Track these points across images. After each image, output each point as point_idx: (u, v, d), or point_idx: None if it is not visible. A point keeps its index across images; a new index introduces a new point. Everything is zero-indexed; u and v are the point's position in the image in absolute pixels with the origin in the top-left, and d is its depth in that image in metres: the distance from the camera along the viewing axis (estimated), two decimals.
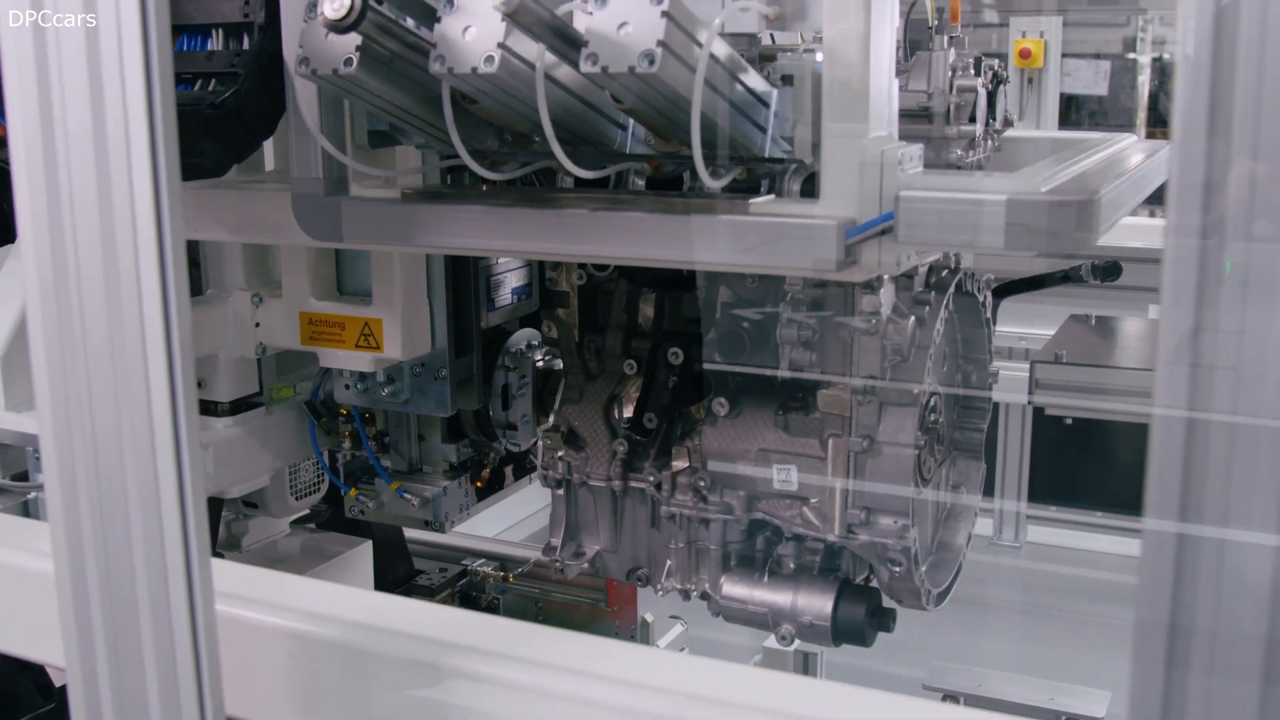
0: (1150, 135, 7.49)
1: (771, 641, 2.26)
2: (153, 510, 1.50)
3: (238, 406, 2.61)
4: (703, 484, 2.21)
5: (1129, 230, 2.34)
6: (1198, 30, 1.02)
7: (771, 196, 1.76)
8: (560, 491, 2.40)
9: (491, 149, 1.89)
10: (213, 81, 1.90)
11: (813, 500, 2.13)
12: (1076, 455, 5.49)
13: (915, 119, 2.11)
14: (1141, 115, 7.67)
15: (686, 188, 1.93)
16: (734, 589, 2.23)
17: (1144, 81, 7.60)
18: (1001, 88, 2.28)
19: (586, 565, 2.40)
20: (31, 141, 1.47)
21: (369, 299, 2.37)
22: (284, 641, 1.86)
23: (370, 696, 1.79)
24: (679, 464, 2.25)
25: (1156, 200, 1.90)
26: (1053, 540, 5.37)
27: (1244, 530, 1.08)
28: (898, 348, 2.02)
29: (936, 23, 2.16)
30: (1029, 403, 4.50)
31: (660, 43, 1.49)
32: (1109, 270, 2.47)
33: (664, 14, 1.49)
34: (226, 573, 2.01)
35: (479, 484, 2.74)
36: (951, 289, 2.12)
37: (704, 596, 2.29)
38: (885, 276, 1.97)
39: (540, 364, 2.66)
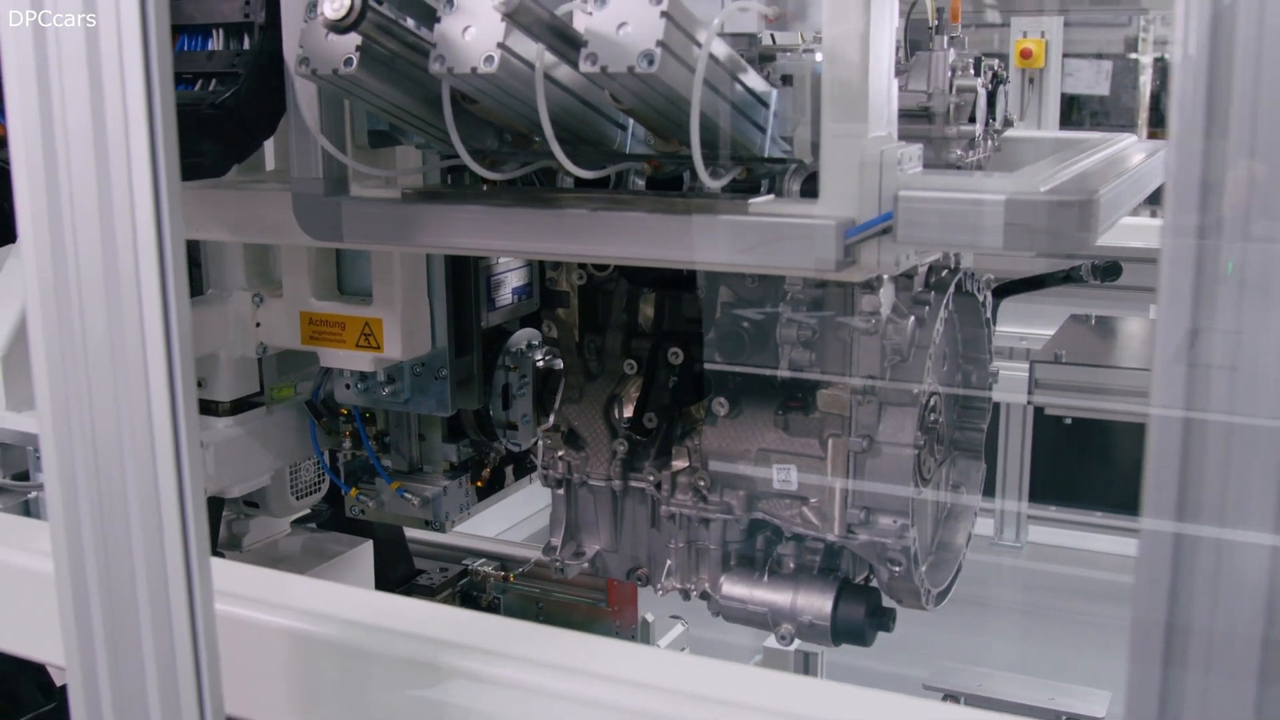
0: (1152, 135, 7.49)
1: (772, 641, 2.26)
2: (152, 510, 1.50)
3: (238, 406, 2.61)
4: (703, 484, 2.21)
5: (1129, 230, 2.34)
6: (1196, 30, 1.02)
7: (771, 196, 1.76)
8: (560, 491, 2.40)
9: (491, 149, 1.89)
10: (213, 81, 1.90)
11: (812, 500, 2.13)
12: (1077, 455, 5.48)
13: (915, 119, 2.11)
14: (1143, 115, 7.66)
15: (686, 188, 1.93)
16: (734, 589, 2.23)
17: (1146, 81, 7.59)
18: (1001, 88, 2.28)
19: (586, 565, 2.41)
20: (31, 141, 1.47)
21: (369, 299, 2.37)
22: (284, 641, 1.86)
23: (370, 696, 1.80)
24: (679, 464, 2.25)
25: (1156, 200, 1.90)
26: (1054, 540, 5.37)
27: (1240, 530, 1.08)
28: (897, 348, 2.02)
29: (936, 23, 2.16)
30: (1028, 403, 4.50)
31: (659, 43, 1.49)
32: (1109, 270, 2.47)
33: (663, 14, 1.49)
34: (226, 572, 2.01)
35: (479, 484, 2.74)
36: (951, 289, 2.12)
37: (704, 596, 2.29)
38: (885, 276, 1.98)
39: (540, 364, 2.66)
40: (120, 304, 1.46)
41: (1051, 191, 1.56)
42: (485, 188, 2.00)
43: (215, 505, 2.77)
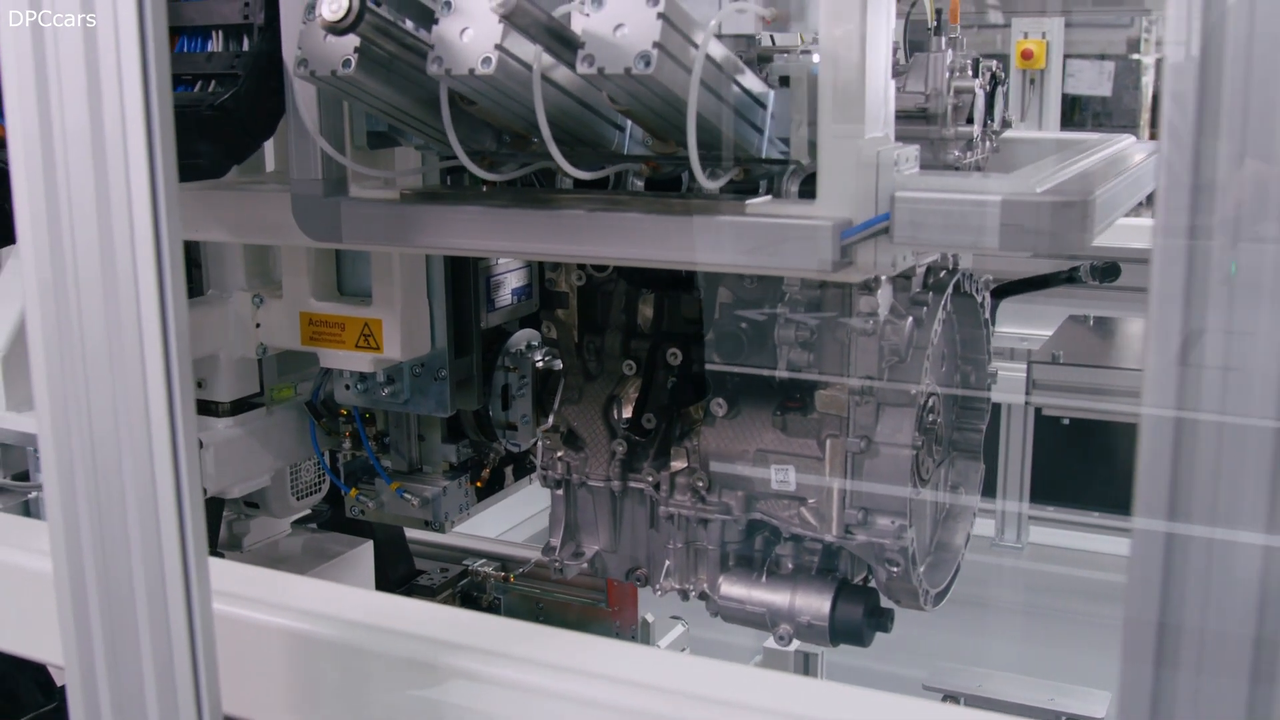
0: (1154, 136, 7.47)
1: (771, 642, 2.26)
2: (150, 509, 1.51)
3: (238, 407, 2.61)
4: (701, 484, 2.22)
5: (1128, 231, 2.34)
6: (1187, 31, 1.03)
7: (769, 197, 1.77)
8: (559, 492, 2.40)
9: (490, 150, 1.89)
10: (212, 83, 1.90)
11: (811, 500, 2.13)
12: (1078, 456, 5.48)
13: (913, 120, 2.11)
14: (1145, 116, 7.65)
15: (685, 188, 1.93)
16: (732, 589, 2.24)
17: (1148, 82, 7.58)
18: (999, 89, 2.28)
19: (585, 565, 2.41)
20: (30, 142, 1.47)
21: (369, 299, 2.38)
22: (282, 640, 1.86)
23: (368, 696, 1.80)
24: (678, 464, 2.26)
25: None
26: (1054, 541, 5.36)
27: (1232, 530, 1.09)
28: (895, 348, 2.03)
29: (935, 24, 2.16)
30: (1026, 403, 4.50)
31: (656, 44, 1.50)
32: (1107, 271, 2.47)
33: (660, 16, 1.50)
34: (224, 572, 2.02)
35: (479, 484, 2.74)
36: (949, 290, 2.12)
37: (702, 596, 2.30)
38: (882, 277, 1.98)
39: (540, 364, 2.66)
40: (118, 304, 1.46)
41: (1048, 192, 1.57)
42: (484, 189, 2.00)
43: (216, 506, 2.78)
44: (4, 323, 2.67)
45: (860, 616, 2.17)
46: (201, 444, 2.50)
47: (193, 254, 2.56)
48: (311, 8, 1.66)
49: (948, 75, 2.13)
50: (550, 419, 2.47)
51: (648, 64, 1.50)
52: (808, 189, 1.73)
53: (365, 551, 3.05)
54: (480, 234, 1.84)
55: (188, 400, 1.48)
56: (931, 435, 2.17)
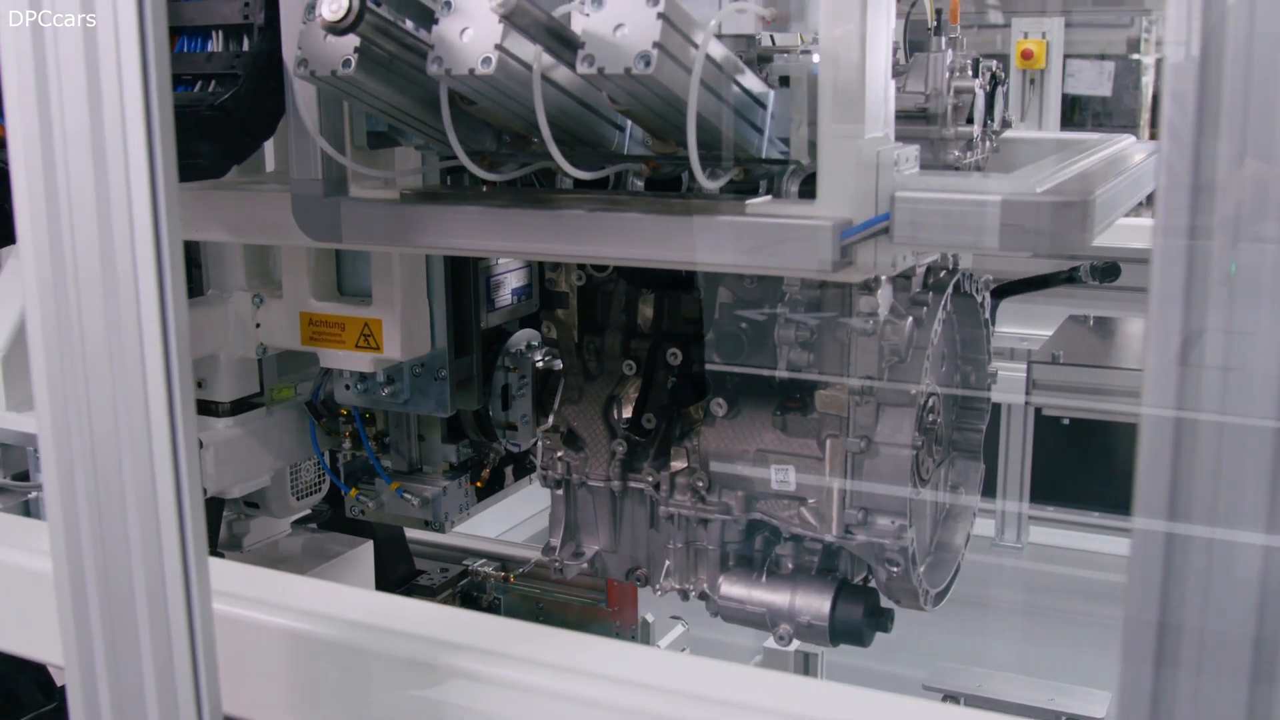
0: (1154, 136, 7.47)
1: (771, 641, 2.26)
2: (150, 509, 1.51)
3: (238, 407, 2.61)
4: (701, 484, 2.22)
5: (1128, 231, 2.34)
6: (1187, 31, 1.03)
7: (768, 197, 1.77)
8: (559, 491, 2.40)
9: (490, 150, 1.89)
10: (212, 83, 1.90)
11: (810, 500, 2.13)
12: (1078, 456, 5.48)
13: (913, 120, 2.11)
14: (1145, 116, 7.65)
15: (685, 188, 1.93)
16: (732, 589, 2.24)
17: (1148, 82, 7.58)
18: (999, 89, 2.28)
19: (585, 565, 2.41)
20: (30, 142, 1.47)
21: (369, 299, 2.38)
22: (282, 640, 1.86)
23: (368, 695, 1.80)
24: (677, 464, 2.26)
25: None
26: (1055, 541, 5.36)
27: (1232, 529, 1.09)
28: (895, 348, 2.03)
29: (935, 24, 2.16)
30: (1026, 403, 4.50)
31: (656, 44, 1.50)
32: (1108, 271, 2.47)
33: (660, 15, 1.50)
34: (224, 572, 2.02)
35: (479, 484, 2.74)
36: (949, 290, 2.12)
37: (702, 596, 2.30)
38: (882, 277, 1.98)
39: (540, 364, 2.66)
40: (118, 304, 1.46)
41: (1047, 192, 1.57)
42: (484, 189, 2.00)
43: (216, 506, 2.78)
44: (4, 323, 2.67)
45: (860, 616, 2.17)
46: (201, 444, 2.50)
47: (193, 254, 2.57)
48: (311, 8, 1.66)
49: (947, 75, 2.13)
50: (550, 419, 2.47)
51: (647, 64, 1.50)
52: (808, 189, 1.73)
53: (365, 551, 3.05)
54: (480, 234, 1.84)
55: (187, 400, 1.49)
56: (931, 435, 2.17)
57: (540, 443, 2.42)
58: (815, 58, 1.70)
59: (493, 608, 3.26)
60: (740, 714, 1.62)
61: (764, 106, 1.82)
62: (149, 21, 1.38)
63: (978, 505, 2.43)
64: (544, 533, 2.46)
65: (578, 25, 1.54)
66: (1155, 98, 7.66)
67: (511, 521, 4.80)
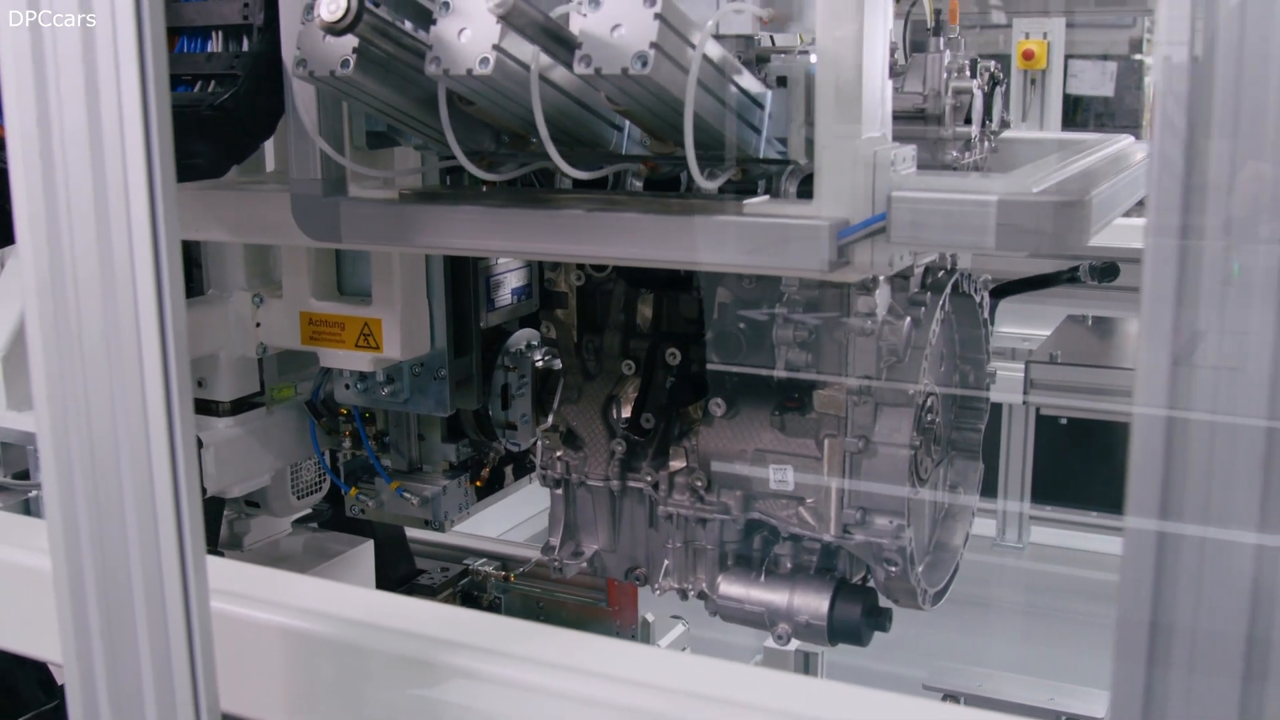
0: None
1: (771, 641, 2.26)
2: (148, 508, 1.51)
3: (239, 406, 2.62)
4: (700, 484, 2.22)
5: (1127, 231, 2.34)
6: (1178, 30, 1.03)
7: (766, 197, 1.77)
8: (559, 491, 2.41)
9: (489, 150, 1.90)
10: (212, 83, 1.90)
11: (809, 500, 2.13)
12: (1079, 456, 5.49)
13: (911, 121, 2.12)
14: (1147, 116, 7.64)
15: (684, 189, 1.94)
16: (731, 588, 2.24)
17: (1150, 83, 7.57)
18: (998, 89, 2.28)
19: (585, 565, 2.41)
20: (29, 142, 1.48)
21: (369, 299, 2.38)
22: (280, 638, 1.86)
23: (366, 694, 1.80)
24: (676, 464, 2.26)
25: None
26: (1056, 541, 5.37)
27: (1224, 528, 1.09)
28: (893, 348, 2.03)
29: (933, 25, 2.16)
30: (1024, 402, 4.51)
31: (653, 44, 1.50)
32: (1106, 271, 2.48)
33: (656, 16, 1.50)
34: (222, 570, 2.02)
35: (478, 483, 2.75)
36: (947, 290, 2.13)
37: (701, 596, 2.30)
38: (880, 277, 1.98)
39: (539, 364, 2.67)
40: (116, 303, 1.46)
41: (1044, 192, 1.57)
42: (483, 189, 2.00)
43: (216, 505, 2.78)
44: (4, 322, 2.67)
45: (858, 616, 2.17)
46: (202, 443, 2.51)
47: (193, 254, 2.57)
48: (310, 8, 1.66)
49: (946, 76, 2.13)
50: (550, 418, 2.47)
51: (644, 64, 1.50)
52: (806, 189, 1.73)
53: (366, 551, 3.06)
54: (479, 234, 1.84)
55: (185, 399, 1.49)
56: (930, 435, 2.17)
57: (539, 442, 2.42)
58: (813, 58, 1.70)
59: (493, 607, 3.27)
60: (740, 713, 1.62)
61: (762, 107, 1.82)
62: (147, 22, 1.39)
63: (976, 505, 2.43)
64: (544, 532, 2.46)
65: (575, 25, 1.55)
66: None
67: (512, 521, 4.80)
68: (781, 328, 2.07)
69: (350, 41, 1.66)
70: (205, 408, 2.58)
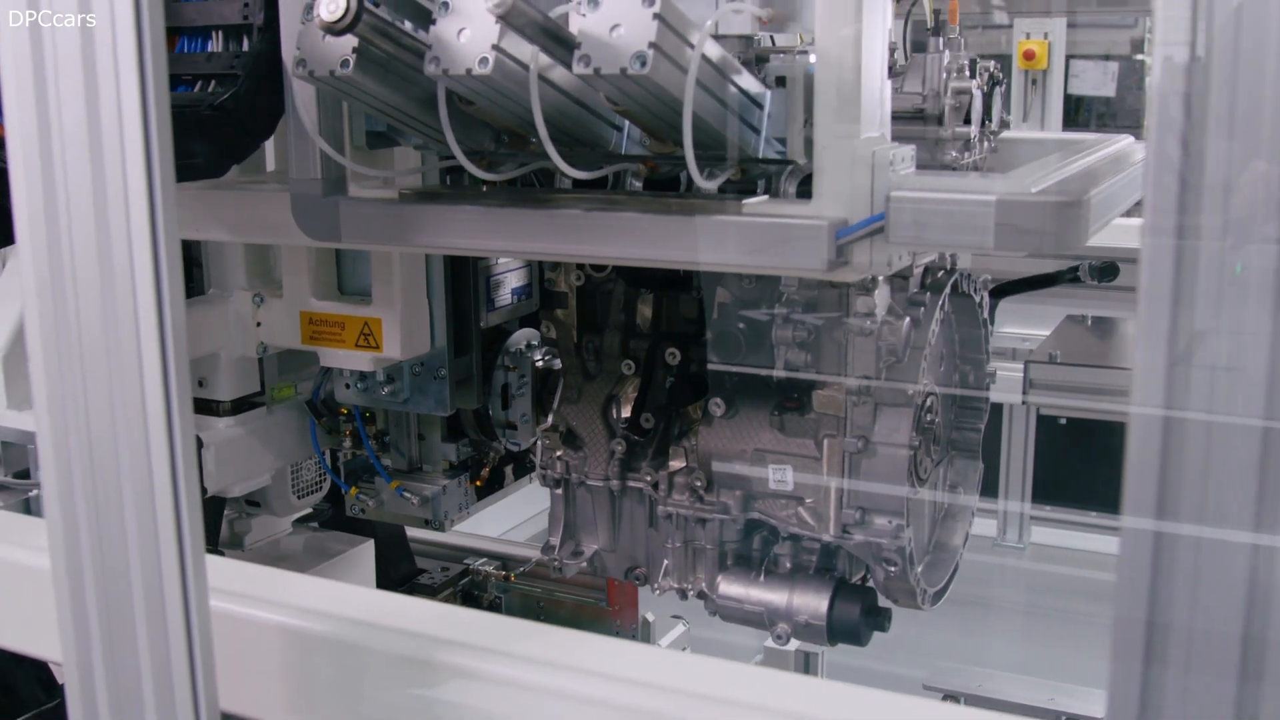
0: None
1: (771, 641, 2.27)
2: (147, 507, 1.51)
3: (239, 406, 2.62)
4: (699, 484, 2.22)
5: (1126, 230, 2.35)
6: (1176, 30, 1.03)
7: (765, 197, 1.77)
8: (559, 491, 2.41)
9: (488, 150, 1.90)
10: (212, 83, 1.91)
11: (808, 500, 2.13)
12: (1079, 456, 5.49)
13: (911, 121, 2.12)
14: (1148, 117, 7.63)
15: (683, 188, 1.94)
16: (730, 588, 2.24)
17: (1150, 82, 7.56)
18: (997, 89, 2.28)
19: (584, 564, 2.41)
20: (29, 141, 1.48)
21: (369, 299, 2.38)
22: (280, 638, 1.87)
23: (366, 693, 1.80)
24: (676, 464, 2.26)
25: None
26: (1056, 541, 5.37)
27: (1221, 528, 1.09)
28: (892, 348, 2.03)
29: (933, 25, 2.16)
30: (1024, 402, 4.51)
31: (652, 44, 1.50)
32: (1106, 271, 2.48)
33: (655, 16, 1.50)
34: (222, 569, 2.02)
35: (478, 483, 2.75)
36: (947, 290, 2.13)
37: (701, 596, 2.30)
38: (879, 277, 1.98)
39: (539, 364, 2.67)
40: (116, 303, 1.47)
41: (1043, 192, 1.57)
42: (483, 188, 2.00)
43: (217, 504, 2.79)
44: (4, 322, 2.68)
45: (858, 616, 2.18)
46: (202, 443, 2.51)
47: (193, 253, 2.57)
48: (310, 8, 1.66)
49: (945, 76, 2.13)
50: (550, 418, 2.48)
51: (643, 64, 1.50)
52: (805, 189, 1.73)
53: (366, 550, 3.06)
54: (479, 234, 1.84)
55: (185, 398, 1.49)
56: (929, 435, 2.17)
57: (539, 442, 2.43)
58: (812, 58, 1.70)
59: (494, 606, 3.27)
60: (740, 713, 1.62)
61: (761, 106, 1.82)
62: (147, 22, 1.39)
63: (976, 505, 2.43)
64: (544, 532, 2.46)
65: (574, 25, 1.55)
66: None
67: (513, 521, 4.80)
68: (781, 328, 2.07)
69: (350, 41, 1.66)
70: (205, 407, 2.59)
